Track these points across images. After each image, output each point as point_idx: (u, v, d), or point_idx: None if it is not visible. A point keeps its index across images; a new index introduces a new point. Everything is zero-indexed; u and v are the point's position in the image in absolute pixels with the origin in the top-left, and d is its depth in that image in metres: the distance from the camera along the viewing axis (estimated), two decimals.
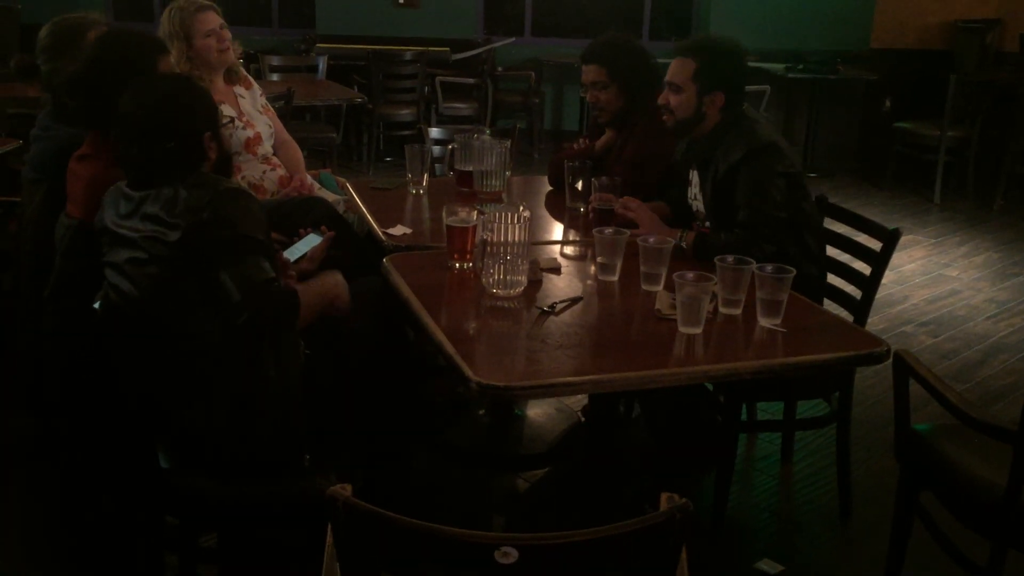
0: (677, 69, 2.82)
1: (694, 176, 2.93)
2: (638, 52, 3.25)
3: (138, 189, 2.07)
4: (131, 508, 2.46)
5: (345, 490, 1.29)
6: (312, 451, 2.18)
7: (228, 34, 3.42)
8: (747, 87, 2.88)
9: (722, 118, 2.80)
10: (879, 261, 2.80)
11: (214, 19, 3.37)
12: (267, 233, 2.12)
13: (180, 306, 2.02)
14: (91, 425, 2.37)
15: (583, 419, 3.25)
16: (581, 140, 3.52)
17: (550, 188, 3.51)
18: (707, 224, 2.80)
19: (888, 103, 8.21)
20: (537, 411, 3.36)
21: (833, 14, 8.21)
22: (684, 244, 2.68)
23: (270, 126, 3.59)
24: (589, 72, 3.25)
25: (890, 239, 2.78)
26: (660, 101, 2.87)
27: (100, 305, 2.10)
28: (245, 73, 3.65)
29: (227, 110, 3.39)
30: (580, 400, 3.30)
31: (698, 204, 2.92)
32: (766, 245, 2.58)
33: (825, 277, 2.94)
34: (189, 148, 2.10)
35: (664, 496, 1.39)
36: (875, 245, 2.84)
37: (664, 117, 2.88)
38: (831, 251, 3.02)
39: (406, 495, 2.65)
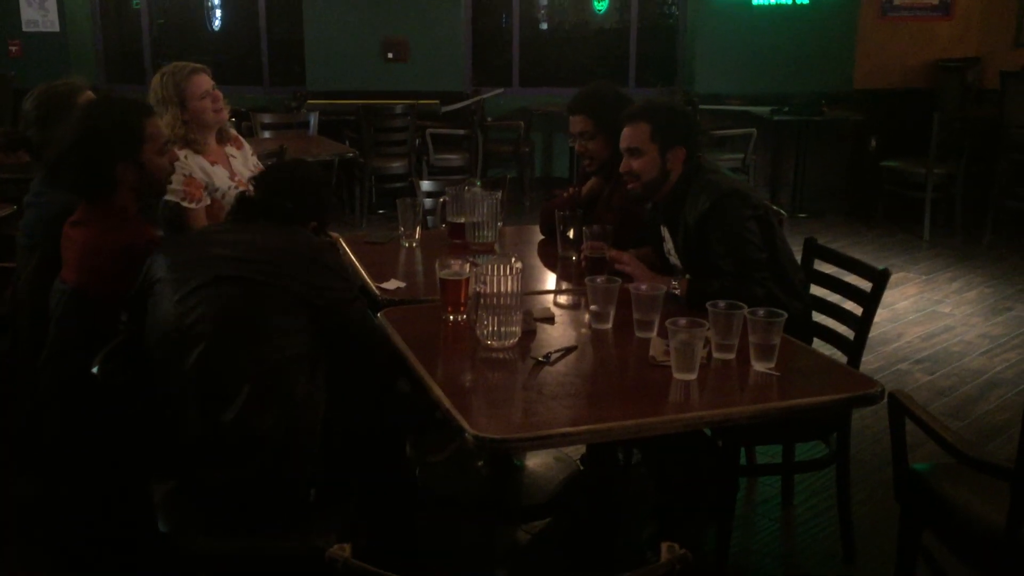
0: (632, 135, 2.85)
1: (665, 232, 2.96)
2: (623, 102, 3.29)
3: (240, 220, 2.38)
4: (132, 572, 2.44)
5: (344, 550, 1.29)
6: (319, 488, 2.19)
7: (220, 94, 3.47)
8: (700, 137, 2.95)
9: (683, 171, 2.84)
10: (870, 301, 2.82)
11: (206, 80, 3.41)
12: None
13: (250, 322, 2.17)
14: (90, 489, 2.36)
15: (582, 467, 3.23)
16: (570, 188, 3.55)
17: (542, 237, 3.54)
18: (687, 277, 2.81)
19: (874, 142, 8.30)
20: (536, 461, 3.35)
21: (816, 57, 8.33)
22: (678, 291, 2.69)
23: None
24: (576, 123, 3.29)
25: (880, 279, 2.80)
26: (622, 169, 2.90)
27: (99, 369, 2.10)
28: (236, 133, 3.69)
29: (220, 171, 3.42)
30: (579, 448, 3.29)
31: (674, 259, 2.95)
32: (757, 289, 2.60)
33: (810, 312, 2.95)
34: (296, 220, 2.37)
35: (665, 546, 1.39)
36: (866, 285, 2.86)
37: (630, 186, 2.90)
38: (822, 291, 3.04)
39: (407, 550, 2.63)
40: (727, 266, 2.69)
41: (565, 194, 3.52)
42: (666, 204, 2.90)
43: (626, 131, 2.87)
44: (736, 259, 2.69)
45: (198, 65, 3.43)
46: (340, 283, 2.29)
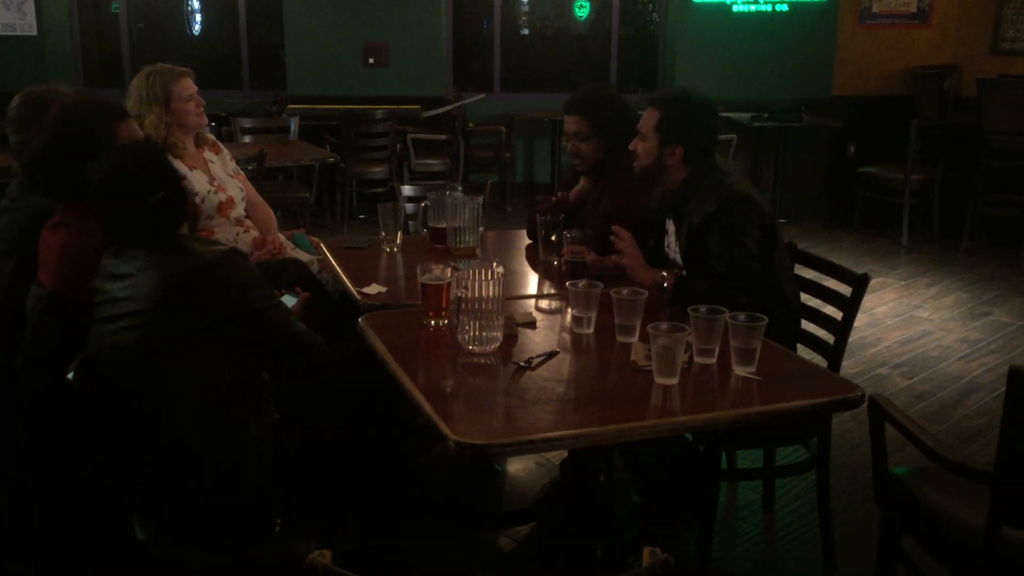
0: (645, 118, 2.91)
1: (670, 226, 2.98)
2: (619, 106, 3.29)
3: (120, 251, 2.16)
4: None
5: (324, 557, 1.28)
6: (284, 516, 2.16)
7: (202, 99, 3.49)
8: (714, 142, 2.93)
9: (690, 171, 2.85)
10: (850, 306, 2.83)
11: (191, 85, 3.45)
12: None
13: (167, 367, 2.08)
14: (66, 497, 2.33)
15: (563, 473, 3.23)
16: (558, 193, 3.55)
17: (524, 242, 3.53)
18: (683, 273, 2.82)
19: (852, 149, 8.37)
20: (517, 466, 3.34)
21: (795, 64, 8.40)
22: (665, 284, 2.70)
23: (241, 189, 3.62)
24: (571, 123, 3.29)
25: (859, 284, 2.81)
26: (631, 147, 2.95)
27: (75, 375, 2.08)
28: (213, 138, 3.69)
29: (199, 176, 3.41)
30: (560, 453, 3.28)
31: (674, 254, 2.95)
32: (743, 296, 2.60)
33: (799, 324, 2.96)
34: (157, 219, 2.16)
35: (646, 550, 1.39)
36: (846, 290, 2.87)
37: (634, 163, 2.96)
38: (803, 296, 3.04)
39: (388, 556, 2.62)
40: (718, 267, 2.70)
41: (553, 198, 3.52)
42: (674, 199, 2.92)
43: (646, 112, 2.92)
44: (728, 263, 2.69)
45: (184, 68, 3.45)
46: (238, 294, 2.14)
